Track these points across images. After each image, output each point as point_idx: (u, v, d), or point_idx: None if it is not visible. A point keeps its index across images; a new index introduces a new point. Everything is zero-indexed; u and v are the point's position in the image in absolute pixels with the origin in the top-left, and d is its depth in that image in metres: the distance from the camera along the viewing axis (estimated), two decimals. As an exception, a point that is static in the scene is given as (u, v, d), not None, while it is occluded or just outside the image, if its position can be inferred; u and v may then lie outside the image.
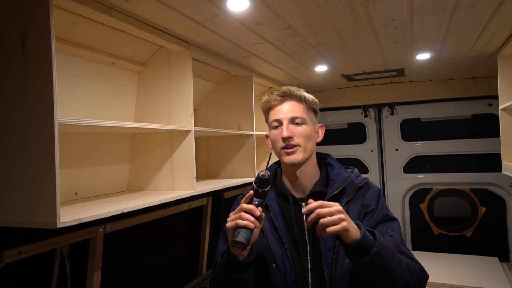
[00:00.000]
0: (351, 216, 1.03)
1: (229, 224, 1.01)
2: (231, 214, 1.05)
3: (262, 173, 1.03)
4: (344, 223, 0.97)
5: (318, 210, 0.98)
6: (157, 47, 1.82)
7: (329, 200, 1.15)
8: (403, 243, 1.16)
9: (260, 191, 1.03)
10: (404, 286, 1.03)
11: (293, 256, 1.15)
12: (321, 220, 0.97)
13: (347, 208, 1.14)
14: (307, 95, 1.24)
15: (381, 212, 1.19)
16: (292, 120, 1.19)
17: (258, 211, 1.01)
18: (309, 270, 1.14)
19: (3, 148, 1.13)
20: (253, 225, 0.99)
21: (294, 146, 1.18)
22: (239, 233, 0.99)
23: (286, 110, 1.21)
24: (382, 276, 1.01)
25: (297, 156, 1.17)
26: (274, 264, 1.15)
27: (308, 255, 1.15)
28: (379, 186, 1.32)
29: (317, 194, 1.20)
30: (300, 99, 1.22)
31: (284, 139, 1.18)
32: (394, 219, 1.20)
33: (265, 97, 1.25)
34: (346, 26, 1.69)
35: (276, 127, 1.21)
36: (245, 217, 1.00)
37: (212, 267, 1.23)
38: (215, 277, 1.12)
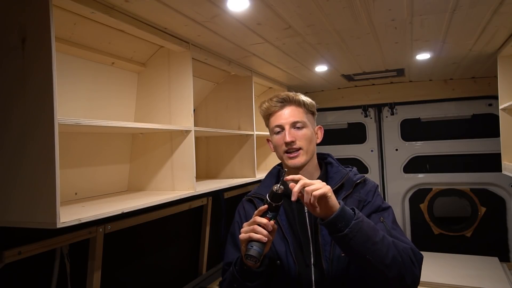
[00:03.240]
0: None
1: (242, 236, 1.04)
2: (244, 224, 1.07)
3: (276, 188, 1.04)
4: (328, 187, 1.00)
5: (302, 181, 1.02)
6: (157, 47, 1.82)
7: None
8: (395, 228, 1.17)
9: (274, 205, 1.04)
10: (392, 262, 1.02)
11: (297, 253, 1.18)
12: (307, 188, 1.00)
13: (344, 203, 1.15)
14: (305, 99, 1.28)
15: (375, 203, 1.21)
16: (294, 125, 1.23)
17: (271, 226, 1.03)
18: (312, 266, 1.16)
19: (3, 148, 1.13)
20: (266, 238, 1.01)
21: (297, 149, 1.21)
22: (252, 246, 1.01)
23: (287, 115, 1.24)
24: (365, 251, 1.00)
25: (300, 159, 1.22)
26: (278, 261, 1.18)
27: (311, 251, 1.18)
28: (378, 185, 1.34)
29: None
30: (299, 104, 1.26)
31: (287, 143, 1.21)
32: (387, 208, 1.22)
33: (265, 104, 1.29)
34: (346, 26, 1.69)
35: (278, 132, 1.25)
36: (258, 230, 1.02)
37: (222, 270, 1.26)
38: (228, 284, 1.15)
